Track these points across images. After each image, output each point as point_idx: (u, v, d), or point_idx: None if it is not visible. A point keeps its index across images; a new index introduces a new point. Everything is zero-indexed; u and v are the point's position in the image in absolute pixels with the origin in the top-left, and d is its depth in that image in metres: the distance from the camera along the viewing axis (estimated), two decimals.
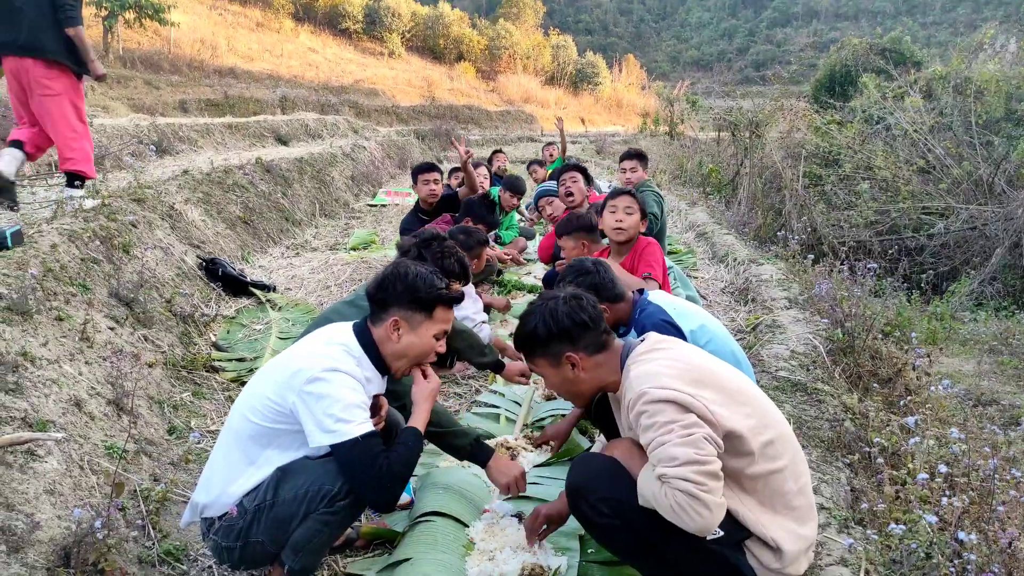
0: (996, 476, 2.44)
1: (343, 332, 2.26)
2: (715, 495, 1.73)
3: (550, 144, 12.39)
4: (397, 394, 2.75)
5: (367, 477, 2.03)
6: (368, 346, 2.23)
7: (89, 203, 4.86)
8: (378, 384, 2.30)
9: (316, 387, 2.05)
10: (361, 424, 2.04)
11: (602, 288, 2.99)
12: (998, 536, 2.11)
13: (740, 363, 2.69)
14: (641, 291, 2.99)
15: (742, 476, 1.85)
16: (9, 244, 3.64)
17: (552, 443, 3.13)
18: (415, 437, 2.20)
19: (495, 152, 8.22)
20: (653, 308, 2.92)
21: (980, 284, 8.71)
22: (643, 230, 4.15)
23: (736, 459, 1.83)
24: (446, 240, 3.30)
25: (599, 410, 2.45)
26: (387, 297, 2.24)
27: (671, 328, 2.80)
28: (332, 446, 2.03)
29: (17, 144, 4.84)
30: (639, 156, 5.91)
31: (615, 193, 4.21)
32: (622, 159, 6.00)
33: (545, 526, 2.35)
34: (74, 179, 5.04)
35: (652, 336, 2.13)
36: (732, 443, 1.84)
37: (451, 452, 2.79)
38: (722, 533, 1.83)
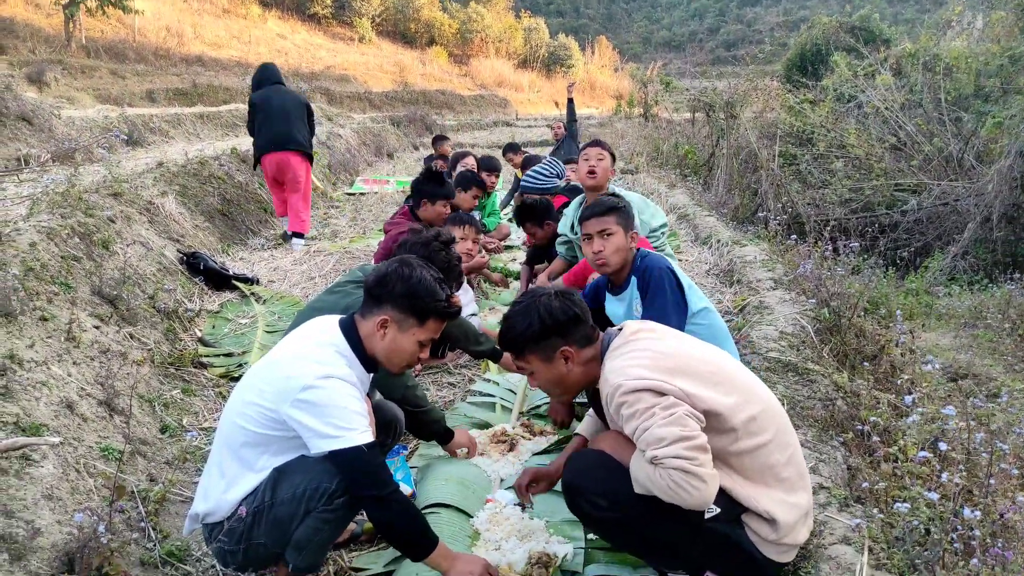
0: (985, 450, 2.50)
1: (330, 329, 2.20)
2: (707, 467, 1.78)
3: (557, 121, 12.26)
4: (383, 386, 2.76)
5: (374, 487, 2.01)
6: (354, 342, 2.18)
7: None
8: (367, 382, 2.26)
9: (312, 395, 2.00)
10: (363, 433, 2.01)
11: (627, 211, 3.08)
12: (991, 510, 2.17)
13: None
14: (639, 250, 3.10)
15: (727, 454, 1.89)
16: None
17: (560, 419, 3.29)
18: (429, 544, 2.09)
19: (463, 155, 7.62)
20: (655, 255, 3.02)
21: (953, 259, 8.89)
22: (613, 177, 4.41)
23: (719, 437, 1.87)
24: (451, 243, 3.30)
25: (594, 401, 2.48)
26: (384, 294, 2.18)
27: (673, 276, 2.88)
28: (332, 452, 1.99)
29: None
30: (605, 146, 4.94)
31: (586, 146, 4.41)
32: (585, 147, 4.73)
33: (535, 485, 2.40)
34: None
35: (628, 326, 2.14)
36: (712, 421, 1.87)
37: (420, 432, 2.98)
38: (719, 510, 1.87)
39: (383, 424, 2.44)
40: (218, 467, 2.15)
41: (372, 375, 2.29)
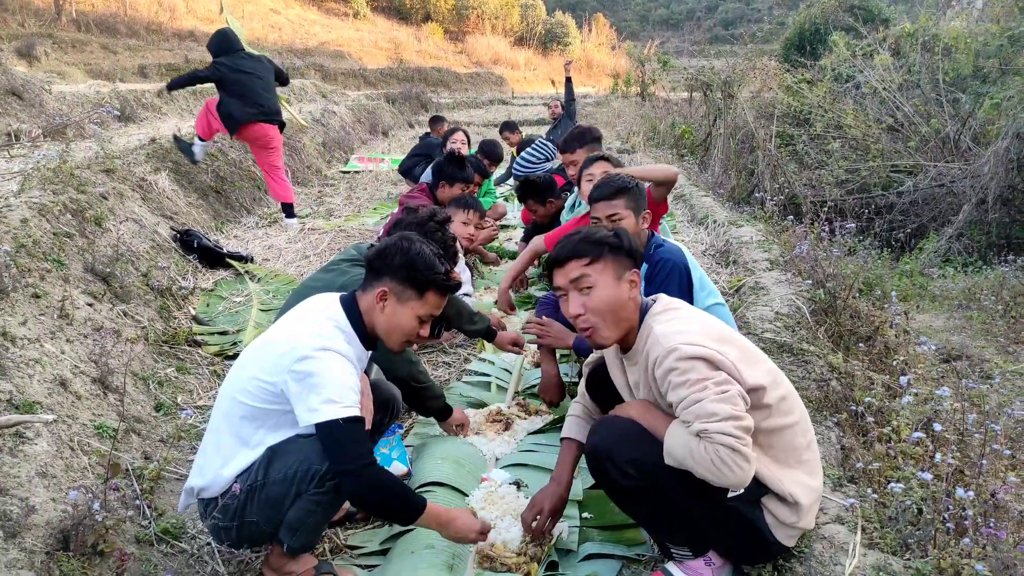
0: (978, 431, 2.52)
1: (330, 305, 2.21)
2: (751, 449, 1.77)
3: (554, 100, 12.12)
4: (388, 364, 2.76)
5: (346, 460, 1.98)
6: (354, 318, 2.18)
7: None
8: (365, 359, 2.26)
9: (306, 365, 2.00)
10: (348, 407, 1.99)
11: (637, 191, 2.96)
12: (983, 490, 2.19)
13: None
14: (652, 234, 3.01)
15: (759, 431, 1.87)
16: None
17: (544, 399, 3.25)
18: (415, 507, 2.08)
19: (453, 131, 7.46)
20: (672, 246, 2.93)
21: (948, 241, 8.89)
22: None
23: (754, 412, 1.86)
24: (447, 222, 3.29)
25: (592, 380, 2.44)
26: (383, 267, 2.20)
27: (685, 274, 2.83)
28: (316, 426, 1.98)
29: None
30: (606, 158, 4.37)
31: (589, 162, 4.09)
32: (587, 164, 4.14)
33: (550, 520, 2.29)
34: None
35: (663, 298, 2.10)
36: (753, 396, 1.87)
37: (421, 408, 3.00)
38: (742, 491, 1.86)
39: (380, 403, 2.43)
40: (214, 442, 2.15)
41: (371, 353, 2.28)
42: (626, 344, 2.07)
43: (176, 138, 6.64)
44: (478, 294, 4.86)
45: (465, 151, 6.78)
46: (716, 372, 1.82)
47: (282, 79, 6.90)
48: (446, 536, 2.17)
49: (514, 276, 4.20)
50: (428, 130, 9.86)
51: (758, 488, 1.90)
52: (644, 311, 2.05)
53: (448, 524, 2.13)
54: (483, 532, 2.20)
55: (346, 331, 2.15)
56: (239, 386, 2.12)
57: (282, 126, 6.79)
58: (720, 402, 1.76)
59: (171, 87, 6.65)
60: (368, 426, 2.15)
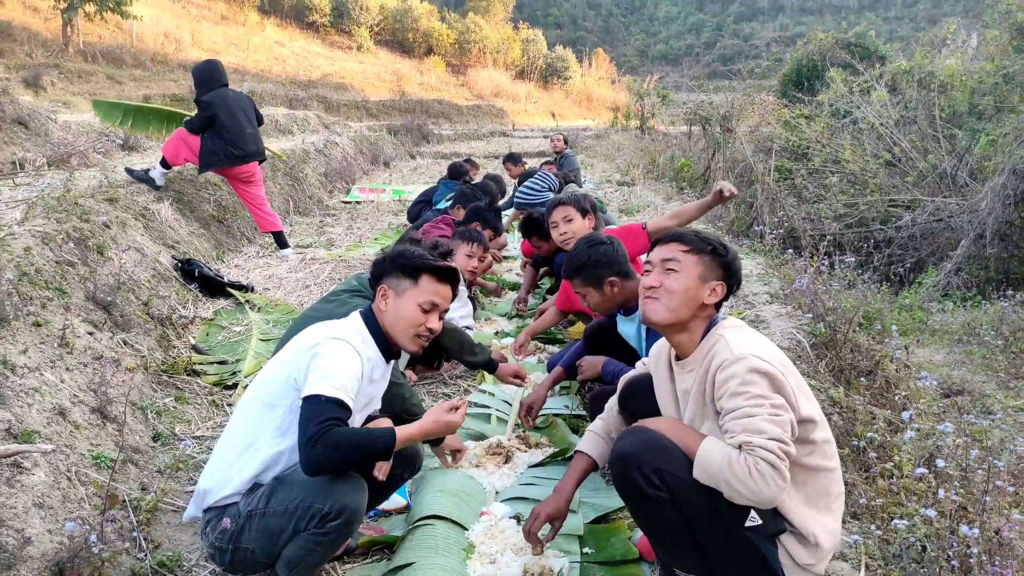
0: (981, 467, 2.50)
1: (353, 318, 2.32)
2: (788, 474, 1.78)
3: (555, 133, 12.15)
4: (397, 398, 2.76)
5: (305, 432, 1.96)
6: (372, 325, 2.28)
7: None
8: (382, 369, 2.32)
9: (316, 350, 2.10)
10: (335, 389, 2.01)
11: (614, 260, 3.02)
12: (987, 527, 2.17)
13: None
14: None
15: (797, 465, 1.87)
16: None
17: (533, 409, 3.26)
18: (384, 438, 2.07)
19: (468, 162, 7.61)
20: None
21: (946, 275, 8.92)
22: (593, 226, 4.07)
23: (799, 445, 1.86)
24: (449, 254, 3.33)
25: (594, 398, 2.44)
26: (381, 271, 2.34)
27: None
28: (302, 400, 2.02)
29: None
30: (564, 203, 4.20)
31: (550, 209, 4.12)
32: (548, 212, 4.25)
33: (548, 526, 2.28)
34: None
35: (735, 319, 2.12)
36: (802, 429, 1.88)
37: (467, 365, 3.47)
38: (760, 522, 1.85)
39: (404, 459, 2.39)
40: (227, 437, 2.21)
41: (391, 365, 2.37)
42: (683, 352, 2.08)
43: (128, 170, 6.53)
44: (479, 325, 4.87)
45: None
46: (775, 395, 1.83)
47: (259, 119, 6.91)
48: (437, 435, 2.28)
49: (532, 333, 4.24)
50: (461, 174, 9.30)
51: (778, 523, 1.89)
52: (712, 323, 2.07)
53: (426, 434, 2.20)
54: (457, 413, 2.24)
55: (362, 333, 2.25)
56: (256, 390, 2.21)
57: (263, 160, 6.86)
58: (771, 423, 1.78)
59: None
60: (382, 476, 2.15)
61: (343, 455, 1.97)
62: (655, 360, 2.24)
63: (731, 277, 2.09)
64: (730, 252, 2.09)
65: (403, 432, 2.11)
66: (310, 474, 1.99)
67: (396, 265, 2.30)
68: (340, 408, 2.01)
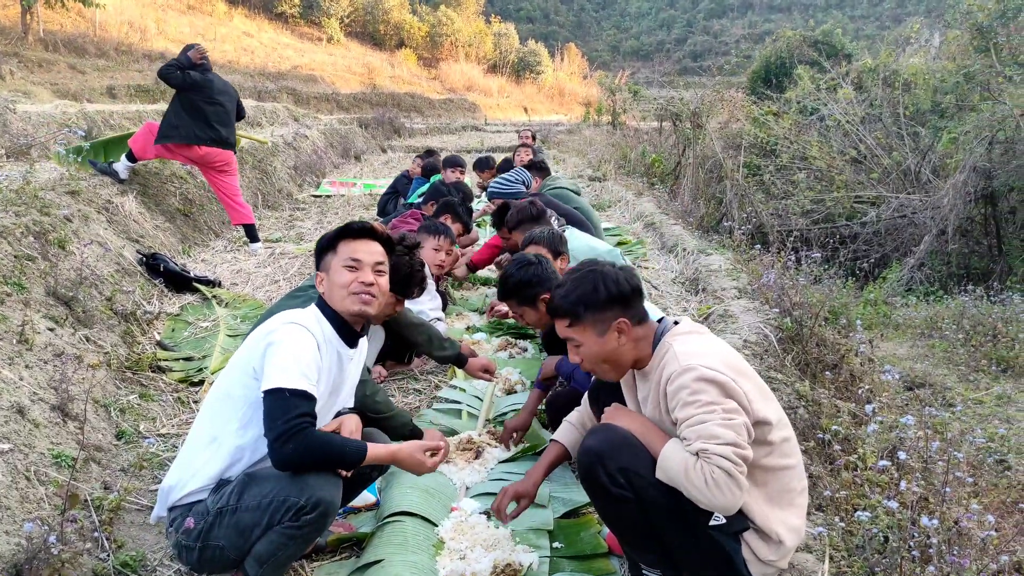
0: (942, 459, 2.56)
1: (309, 307, 2.31)
2: (745, 479, 1.80)
3: (525, 128, 12.03)
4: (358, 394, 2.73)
5: (273, 429, 1.96)
6: (325, 309, 2.28)
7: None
8: (347, 354, 2.29)
9: (272, 337, 2.10)
10: (296, 379, 2.01)
11: (545, 279, 3.04)
12: (947, 517, 2.22)
13: None
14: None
15: (756, 467, 1.89)
16: None
17: (516, 434, 3.16)
18: (354, 452, 2.07)
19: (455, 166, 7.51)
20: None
21: (910, 271, 9.12)
22: (566, 266, 3.73)
23: (756, 447, 1.88)
24: (416, 247, 3.29)
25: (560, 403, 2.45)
26: (316, 264, 2.36)
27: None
28: (263, 393, 2.01)
29: None
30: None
31: (525, 243, 3.85)
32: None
33: (515, 504, 2.32)
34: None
35: (687, 321, 2.12)
36: (759, 430, 1.90)
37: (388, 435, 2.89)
38: (724, 521, 1.88)
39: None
40: (191, 437, 2.19)
41: (357, 350, 2.35)
42: (639, 364, 2.09)
43: (92, 162, 6.37)
44: (449, 320, 4.85)
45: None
46: (727, 400, 1.85)
47: (241, 113, 6.82)
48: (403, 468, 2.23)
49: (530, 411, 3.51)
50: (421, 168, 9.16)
51: (741, 521, 1.92)
52: (662, 332, 2.07)
53: (396, 460, 2.18)
54: (435, 456, 2.22)
55: (319, 318, 2.25)
56: (221, 386, 2.20)
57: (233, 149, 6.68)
58: (725, 427, 1.80)
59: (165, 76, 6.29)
60: (347, 474, 2.15)
61: (313, 458, 2.01)
62: None
63: (624, 303, 2.05)
64: (599, 287, 2.03)
65: (373, 451, 2.11)
66: (281, 470, 2.00)
67: (318, 249, 2.34)
68: (305, 400, 2.01)
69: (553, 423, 2.45)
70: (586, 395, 2.45)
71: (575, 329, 2.07)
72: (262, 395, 2.01)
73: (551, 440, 2.42)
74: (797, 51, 19.37)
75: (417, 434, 2.96)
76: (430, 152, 9.70)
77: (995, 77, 9.58)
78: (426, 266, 3.60)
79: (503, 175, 6.67)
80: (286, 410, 1.97)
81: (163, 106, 12.83)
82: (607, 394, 2.28)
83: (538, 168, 6.93)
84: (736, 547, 1.92)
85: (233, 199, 6.64)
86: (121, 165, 6.33)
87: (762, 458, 1.91)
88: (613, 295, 2.04)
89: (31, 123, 7.78)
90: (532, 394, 3.32)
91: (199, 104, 6.21)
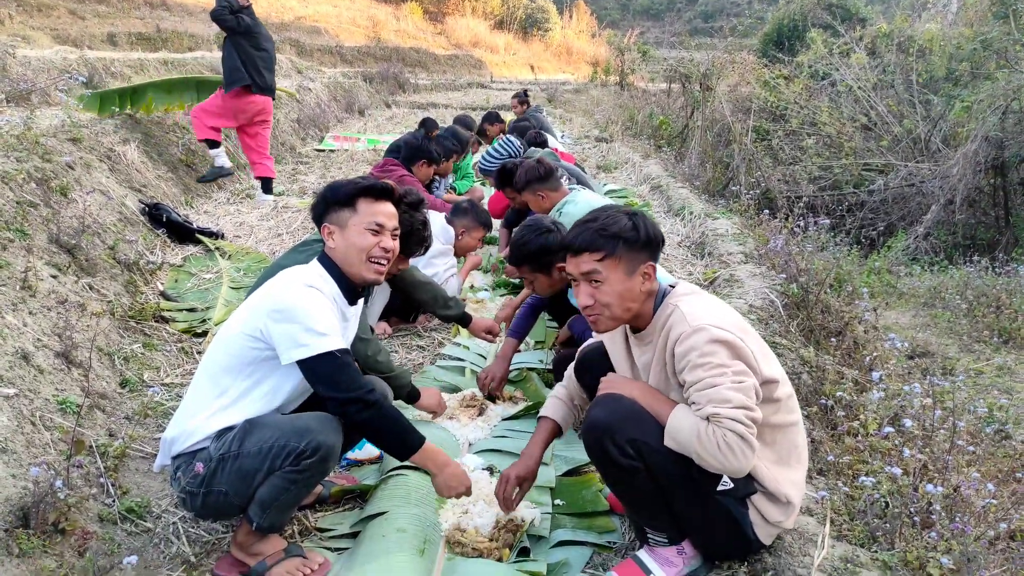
0: (944, 428, 2.57)
1: (312, 263, 2.28)
2: (756, 441, 1.79)
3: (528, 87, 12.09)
4: (360, 353, 2.73)
5: (352, 388, 2.03)
6: (328, 266, 2.24)
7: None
8: (350, 311, 2.29)
9: (286, 302, 2.05)
10: (333, 338, 2.04)
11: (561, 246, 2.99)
12: (948, 484, 2.23)
13: None
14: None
15: (766, 425, 1.88)
16: None
17: (493, 382, 3.19)
18: (414, 440, 2.16)
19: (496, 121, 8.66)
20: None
21: (915, 240, 9.06)
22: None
23: (764, 406, 1.86)
24: (420, 204, 3.25)
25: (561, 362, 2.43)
26: (318, 213, 2.28)
27: None
28: (304, 361, 2.00)
29: None
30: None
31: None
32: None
33: (518, 488, 2.28)
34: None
35: (685, 283, 2.08)
36: (766, 389, 1.88)
37: (441, 319, 3.37)
38: (732, 485, 1.87)
39: None
40: (193, 391, 2.18)
41: (356, 308, 2.33)
42: (637, 326, 2.04)
43: (202, 178, 6.70)
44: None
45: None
46: (735, 361, 1.83)
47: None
48: (436, 483, 2.23)
49: (515, 307, 3.86)
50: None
51: (750, 485, 1.91)
52: (663, 294, 2.02)
53: (443, 468, 2.21)
54: (470, 489, 2.27)
55: (324, 277, 2.21)
56: (222, 343, 2.16)
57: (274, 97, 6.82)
58: (735, 390, 1.78)
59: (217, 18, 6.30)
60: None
61: (382, 427, 2.13)
62: (609, 335, 2.20)
63: (653, 248, 2.01)
64: (639, 225, 1.98)
65: (428, 450, 2.18)
66: (358, 427, 2.13)
67: (330, 200, 2.25)
68: (351, 358, 2.10)
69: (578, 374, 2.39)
70: (571, 368, 2.40)
71: (606, 263, 1.95)
72: (312, 357, 2.01)
73: (540, 416, 2.35)
74: (811, 14, 18.96)
75: (415, 396, 2.97)
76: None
77: (1013, 45, 9.38)
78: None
79: (490, 148, 6.60)
80: (352, 376, 2.05)
81: (165, 55, 12.65)
82: (592, 376, 2.23)
83: (519, 133, 6.94)
84: (743, 511, 1.92)
85: (262, 150, 6.68)
86: (217, 155, 6.62)
87: (771, 416, 1.90)
88: (651, 237, 1.98)
89: (31, 68, 7.67)
90: (506, 343, 3.33)
91: (249, 50, 6.22)
